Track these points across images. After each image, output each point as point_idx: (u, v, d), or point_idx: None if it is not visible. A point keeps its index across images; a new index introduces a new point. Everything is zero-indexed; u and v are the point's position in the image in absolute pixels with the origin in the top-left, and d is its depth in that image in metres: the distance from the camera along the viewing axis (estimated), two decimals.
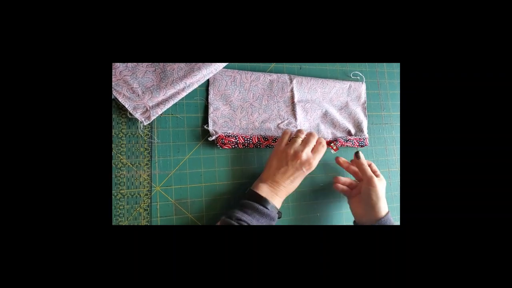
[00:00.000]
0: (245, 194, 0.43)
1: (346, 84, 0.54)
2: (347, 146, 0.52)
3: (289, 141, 0.44)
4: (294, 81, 0.51)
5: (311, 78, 0.52)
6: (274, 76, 0.50)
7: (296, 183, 0.43)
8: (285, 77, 0.51)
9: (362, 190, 0.45)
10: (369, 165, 0.48)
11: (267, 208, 0.40)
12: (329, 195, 0.51)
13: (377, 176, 0.46)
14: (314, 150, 0.43)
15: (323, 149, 0.44)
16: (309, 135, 0.43)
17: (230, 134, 0.46)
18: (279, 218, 0.43)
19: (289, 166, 0.41)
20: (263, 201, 0.40)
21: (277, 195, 0.42)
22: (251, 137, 0.47)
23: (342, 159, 0.50)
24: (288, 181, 0.42)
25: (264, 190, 0.41)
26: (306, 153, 0.41)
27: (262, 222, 0.40)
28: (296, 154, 0.41)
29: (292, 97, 0.50)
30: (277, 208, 0.42)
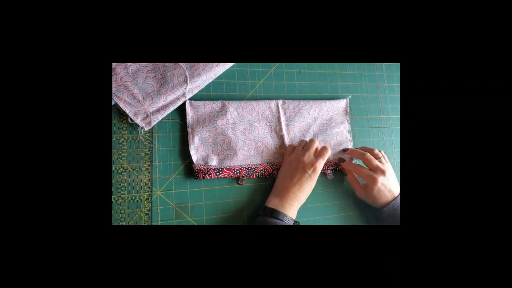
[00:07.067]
0: (257, 212, 0.44)
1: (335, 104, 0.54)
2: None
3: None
4: (282, 115, 0.50)
5: (298, 108, 0.51)
6: (260, 111, 0.49)
7: (306, 188, 0.44)
8: (272, 109, 0.50)
9: (365, 185, 0.47)
10: (371, 152, 0.49)
11: (280, 219, 0.41)
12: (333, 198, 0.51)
13: (376, 168, 0.47)
14: (317, 154, 0.45)
15: (326, 152, 0.46)
16: (309, 141, 0.47)
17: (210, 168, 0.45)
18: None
19: (295, 171, 0.44)
20: (275, 213, 0.41)
21: (289, 204, 0.43)
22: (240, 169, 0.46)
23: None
24: (296, 186, 0.43)
25: (274, 202, 0.43)
26: (308, 157, 0.44)
27: None
28: (298, 159, 0.44)
29: (281, 130, 0.50)
30: (292, 219, 0.43)
